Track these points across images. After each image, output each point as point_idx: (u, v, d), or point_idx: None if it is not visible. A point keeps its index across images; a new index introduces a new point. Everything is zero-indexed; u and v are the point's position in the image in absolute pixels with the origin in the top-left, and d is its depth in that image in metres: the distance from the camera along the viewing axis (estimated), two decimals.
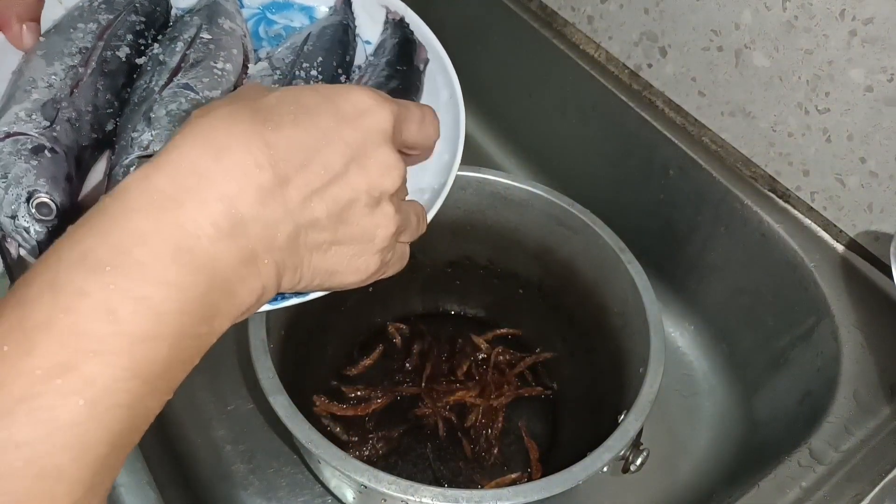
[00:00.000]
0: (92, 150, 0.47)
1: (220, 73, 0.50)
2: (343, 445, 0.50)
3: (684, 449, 0.60)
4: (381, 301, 0.62)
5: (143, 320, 0.23)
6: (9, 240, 0.42)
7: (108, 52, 0.49)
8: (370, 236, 0.31)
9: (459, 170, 0.56)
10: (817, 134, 0.54)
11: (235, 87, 0.50)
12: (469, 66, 0.88)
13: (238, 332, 0.63)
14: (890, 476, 0.45)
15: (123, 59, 0.49)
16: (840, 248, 0.56)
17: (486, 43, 0.80)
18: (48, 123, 0.44)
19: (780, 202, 0.58)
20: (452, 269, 0.62)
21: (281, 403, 0.41)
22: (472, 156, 0.82)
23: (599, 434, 0.44)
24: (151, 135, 0.45)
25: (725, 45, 0.57)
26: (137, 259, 0.23)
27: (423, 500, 0.38)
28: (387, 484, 0.38)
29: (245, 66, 0.52)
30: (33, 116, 0.44)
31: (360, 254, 0.31)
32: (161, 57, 0.50)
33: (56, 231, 0.42)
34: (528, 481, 0.51)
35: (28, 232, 0.41)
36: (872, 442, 0.47)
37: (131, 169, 0.44)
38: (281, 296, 0.38)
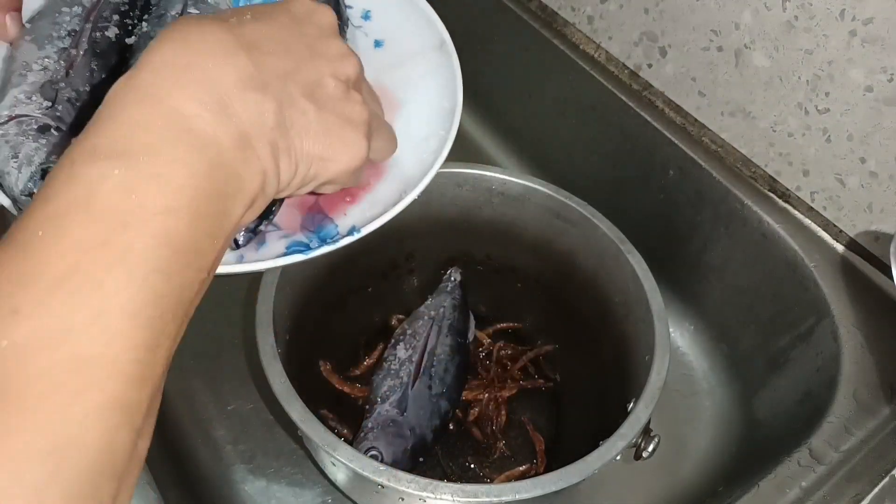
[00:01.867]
0: None
1: None
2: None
3: (684, 449, 0.60)
4: (381, 300, 0.62)
5: (160, 194, 0.25)
6: None
7: (97, 34, 0.50)
8: (348, 117, 0.33)
9: (456, 167, 0.56)
10: (817, 134, 0.54)
11: None
12: (469, 66, 0.88)
13: (239, 332, 0.63)
14: (890, 476, 0.45)
15: (113, 40, 0.51)
16: (840, 248, 0.56)
17: (486, 43, 0.80)
18: (49, 104, 0.45)
19: (780, 202, 0.59)
20: (450, 265, 0.63)
21: (295, 408, 0.41)
22: (472, 155, 0.82)
23: (604, 424, 0.44)
24: None
25: (725, 45, 0.57)
26: (144, 143, 0.26)
27: (443, 496, 0.38)
28: (406, 483, 0.38)
29: None
30: (33, 98, 0.45)
31: (343, 135, 0.33)
32: (152, 33, 0.51)
33: None
34: (535, 473, 0.52)
35: None
36: (872, 442, 0.47)
37: None
38: (312, 243, 0.46)
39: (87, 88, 0.48)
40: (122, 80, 0.27)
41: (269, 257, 0.45)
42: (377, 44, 0.61)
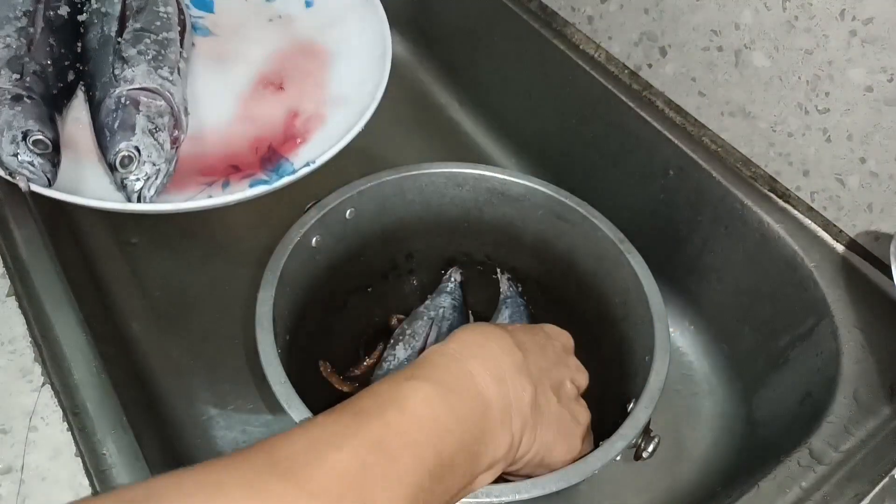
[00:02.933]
0: (60, 97, 0.53)
1: (164, 15, 0.58)
2: None
3: (684, 449, 0.60)
4: (381, 300, 0.62)
5: (449, 414, 0.33)
6: (17, 177, 0.47)
7: (51, 13, 0.55)
8: (576, 418, 0.42)
9: (456, 167, 0.56)
10: (817, 134, 0.54)
11: (181, 26, 0.58)
12: (469, 66, 0.88)
13: (240, 332, 0.63)
14: (890, 476, 0.45)
15: (66, 17, 0.56)
16: (840, 248, 0.56)
17: (486, 43, 0.80)
18: (18, 76, 0.49)
19: (780, 202, 0.59)
20: (450, 265, 0.63)
21: (295, 408, 0.41)
22: (472, 154, 0.82)
23: (604, 424, 0.44)
24: (133, 70, 0.53)
25: (725, 45, 0.57)
26: (446, 381, 0.35)
27: None
28: None
29: (180, 8, 0.60)
30: (2, 72, 0.49)
31: (569, 430, 0.41)
32: (102, 9, 0.57)
33: (56, 162, 0.49)
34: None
35: (33, 165, 0.47)
36: (872, 442, 0.47)
37: (122, 100, 0.51)
38: (271, 179, 0.52)
39: (49, 62, 0.52)
40: (437, 347, 0.38)
41: (237, 192, 0.51)
42: (308, 3, 0.66)
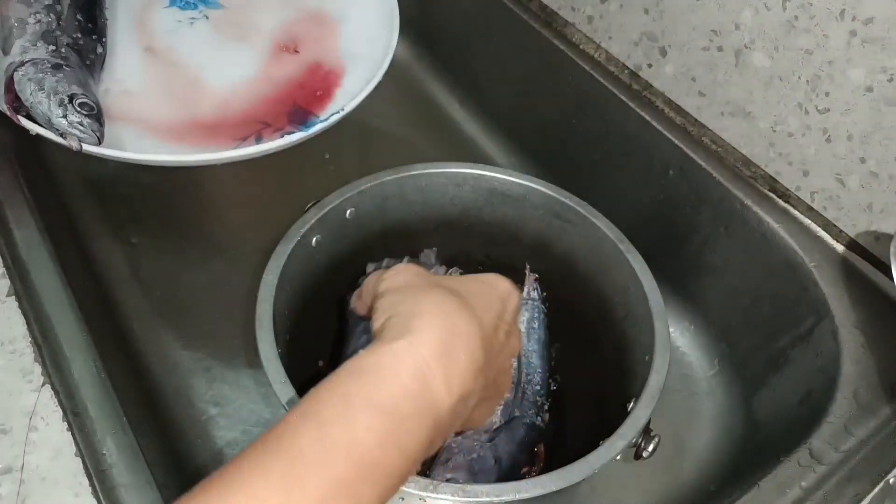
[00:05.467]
0: (93, 67, 0.56)
1: None
2: None
3: (684, 449, 0.60)
4: None
5: (398, 458, 0.30)
6: (68, 137, 0.49)
7: None
8: (501, 390, 0.44)
9: (456, 167, 0.57)
10: (817, 134, 0.54)
11: None
12: (469, 65, 0.88)
13: (240, 332, 0.63)
14: (890, 476, 0.45)
15: None
16: (840, 248, 0.56)
17: (486, 43, 0.80)
18: (54, 48, 0.52)
19: (780, 202, 0.59)
20: (450, 265, 0.63)
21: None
22: (471, 154, 0.82)
23: (604, 424, 0.44)
24: None
25: (725, 45, 0.57)
26: (406, 412, 0.31)
27: (443, 496, 0.38)
28: (406, 482, 0.38)
29: None
30: (38, 45, 0.52)
31: (490, 402, 0.43)
32: None
33: (102, 122, 0.51)
34: (535, 473, 0.51)
35: (83, 125, 0.49)
36: (872, 442, 0.47)
37: None
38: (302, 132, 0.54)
39: (78, 35, 0.55)
40: (405, 342, 0.32)
41: (273, 142, 0.53)
42: None
